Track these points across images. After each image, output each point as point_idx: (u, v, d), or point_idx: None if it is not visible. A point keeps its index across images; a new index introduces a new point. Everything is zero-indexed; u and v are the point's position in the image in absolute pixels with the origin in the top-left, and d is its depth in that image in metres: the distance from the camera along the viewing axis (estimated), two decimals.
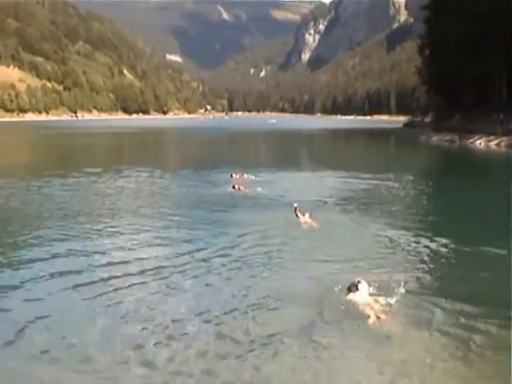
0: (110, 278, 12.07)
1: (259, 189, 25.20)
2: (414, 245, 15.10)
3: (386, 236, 15.96)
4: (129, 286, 11.58)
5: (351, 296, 10.58)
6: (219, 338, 9.00)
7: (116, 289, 11.32)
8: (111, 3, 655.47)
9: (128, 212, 20.04)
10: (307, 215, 17.86)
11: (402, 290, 10.93)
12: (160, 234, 16.40)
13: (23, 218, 18.83)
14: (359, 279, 10.90)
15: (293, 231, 16.68)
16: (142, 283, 11.73)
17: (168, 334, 9.19)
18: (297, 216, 17.72)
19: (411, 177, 32.09)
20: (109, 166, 39.21)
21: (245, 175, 29.25)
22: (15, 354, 8.50)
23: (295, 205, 17.98)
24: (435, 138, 72.94)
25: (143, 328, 9.37)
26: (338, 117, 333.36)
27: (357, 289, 10.68)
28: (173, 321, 9.74)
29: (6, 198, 23.09)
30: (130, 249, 14.65)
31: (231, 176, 28.69)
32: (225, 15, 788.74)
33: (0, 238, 16.04)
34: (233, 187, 24.83)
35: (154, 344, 8.77)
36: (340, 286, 10.94)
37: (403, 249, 14.64)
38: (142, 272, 12.49)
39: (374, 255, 13.93)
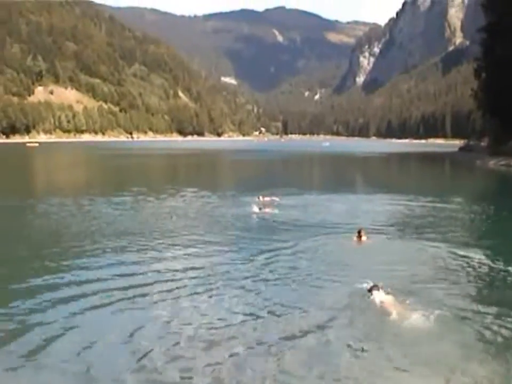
0: (145, 291, 12.39)
1: (297, 212, 25.08)
2: (465, 266, 14.92)
3: (440, 258, 15.81)
4: (167, 300, 11.88)
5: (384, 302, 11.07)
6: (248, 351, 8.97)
7: (150, 304, 11.59)
8: (168, 26, 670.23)
9: (171, 232, 20.25)
10: (362, 234, 18.03)
11: (443, 308, 10.98)
12: (199, 254, 16.56)
13: (74, 234, 19.71)
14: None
15: (347, 251, 16.89)
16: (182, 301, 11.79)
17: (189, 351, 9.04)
18: (359, 237, 17.90)
19: (466, 201, 31.55)
20: (159, 186, 39.71)
21: (273, 197, 28.83)
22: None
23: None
24: (491, 163, 71.44)
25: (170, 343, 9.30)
26: (393, 140, 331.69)
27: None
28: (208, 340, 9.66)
29: (60, 216, 24.18)
30: (169, 266, 14.89)
31: (258, 198, 28.29)
32: (280, 38, 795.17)
33: (50, 252, 16.65)
34: (260, 209, 24.91)
35: (165, 362, 8.77)
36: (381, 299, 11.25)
37: (454, 270, 14.49)
38: (180, 288, 12.71)
39: (426, 276, 13.83)
